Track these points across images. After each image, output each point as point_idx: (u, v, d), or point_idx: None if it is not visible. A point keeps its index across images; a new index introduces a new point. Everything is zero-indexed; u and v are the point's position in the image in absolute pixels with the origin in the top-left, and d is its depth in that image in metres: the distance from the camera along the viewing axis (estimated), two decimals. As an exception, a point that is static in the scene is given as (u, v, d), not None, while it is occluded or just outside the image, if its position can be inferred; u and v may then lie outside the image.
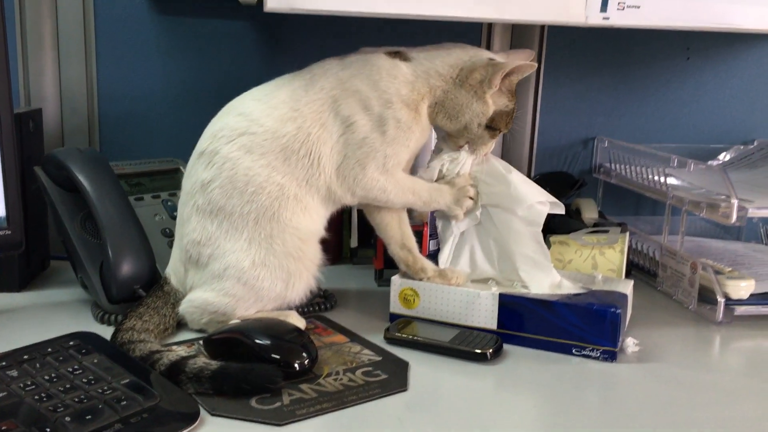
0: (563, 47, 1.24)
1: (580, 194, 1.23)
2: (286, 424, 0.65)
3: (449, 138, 0.90)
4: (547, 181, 1.25)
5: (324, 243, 0.88)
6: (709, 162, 1.25)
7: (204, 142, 0.85)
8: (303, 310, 0.90)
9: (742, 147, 1.28)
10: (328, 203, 0.87)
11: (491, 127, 0.88)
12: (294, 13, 0.82)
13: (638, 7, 0.85)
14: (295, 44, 1.16)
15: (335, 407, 0.68)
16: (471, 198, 0.90)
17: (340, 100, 0.84)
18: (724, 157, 1.28)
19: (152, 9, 1.13)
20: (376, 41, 0.91)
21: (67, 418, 0.60)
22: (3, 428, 0.58)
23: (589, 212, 1.17)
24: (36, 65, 1.10)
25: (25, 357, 0.69)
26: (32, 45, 1.09)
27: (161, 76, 1.15)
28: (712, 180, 1.03)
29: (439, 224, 0.93)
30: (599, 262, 1.01)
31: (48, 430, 0.58)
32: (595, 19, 0.85)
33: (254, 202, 0.82)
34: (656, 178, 1.10)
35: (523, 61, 0.86)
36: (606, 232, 1.05)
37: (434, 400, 0.73)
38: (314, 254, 0.86)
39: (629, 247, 1.09)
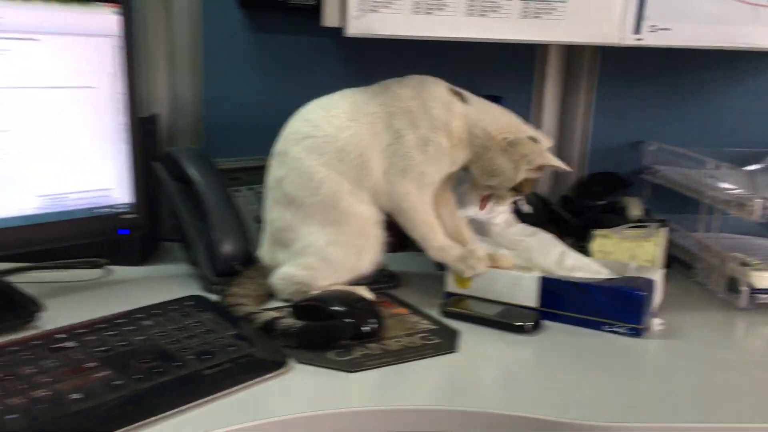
0: (617, 58, 1.32)
1: (628, 193, 1.32)
2: (356, 371, 0.80)
3: (474, 187, 1.03)
4: (598, 180, 1.37)
5: (392, 228, 1.00)
6: (754, 165, 1.33)
7: (279, 144, 1.01)
8: (371, 287, 1.02)
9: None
10: (375, 204, 0.99)
11: (515, 188, 1.00)
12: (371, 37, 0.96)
13: (669, 29, 0.95)
14: (371, 60, 1.28)
15: (396, 361, 0.83)
16: (480, 259, 0.98)
17: (395, 115, 0.97)
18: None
19: (250, 28, 1.28)
20: (441, 66, 1.03)
21: (191, 357, 0.77)
22: (145, 361, 0.76)
23: (635, 210, 1.27)
24: (152, 79, 1.27)
25: (154, 312, 0.87)
26: (150, 62, 1.27)
27: (256, 86, 1.31)
28: (748, 181, 1.12)
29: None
30: (637, 254, 1.11)
31: (178, 364, 0.76)
32: (629, 40, 0.94)
33: (318, 194, 0.96)
34: (695, 178, 1.20)
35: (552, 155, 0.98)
36: (645, 227, 1.16)
37: (478, 362, 0.86)
38: (377, 233, 0.99)
39: (671, 242, 1.19)
